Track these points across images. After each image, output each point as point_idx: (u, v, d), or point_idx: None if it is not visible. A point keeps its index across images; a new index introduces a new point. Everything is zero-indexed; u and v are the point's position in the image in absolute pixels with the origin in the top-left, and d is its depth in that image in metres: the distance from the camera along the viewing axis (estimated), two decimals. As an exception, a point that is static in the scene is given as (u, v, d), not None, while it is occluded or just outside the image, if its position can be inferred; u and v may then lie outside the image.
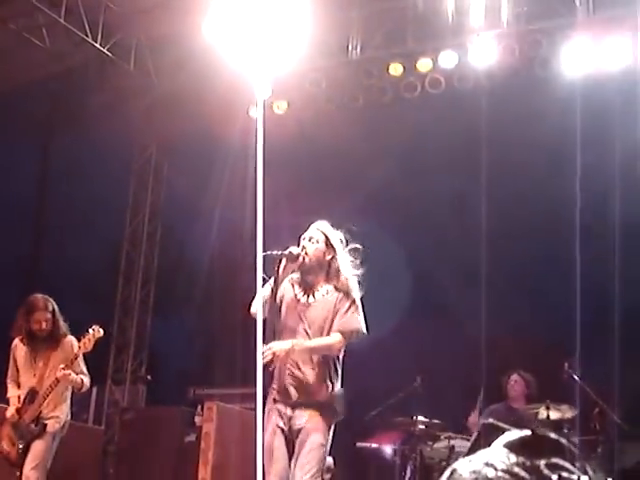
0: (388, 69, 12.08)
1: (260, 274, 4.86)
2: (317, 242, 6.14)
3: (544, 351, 11.04)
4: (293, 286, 6.19)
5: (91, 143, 14.54)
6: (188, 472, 9.80)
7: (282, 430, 5.95)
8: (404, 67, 12.00)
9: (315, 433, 5.88)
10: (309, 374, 5.96)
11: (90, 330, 7.73)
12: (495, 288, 11.61)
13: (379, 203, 13.16)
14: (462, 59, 11.60)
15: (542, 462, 2.19)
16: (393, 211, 13.22)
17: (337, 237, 6.22)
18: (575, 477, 2.10)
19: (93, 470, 11.36)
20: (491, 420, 7.72)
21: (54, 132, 15.76)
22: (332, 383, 6.03)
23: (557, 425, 8.94)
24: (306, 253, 6.07)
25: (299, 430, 5.91)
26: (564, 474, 2.14)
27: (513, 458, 2.25)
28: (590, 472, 2.33)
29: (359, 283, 6.19)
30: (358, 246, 6.24)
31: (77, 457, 10.20)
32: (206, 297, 14.70)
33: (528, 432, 2.25)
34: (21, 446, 7.66)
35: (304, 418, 5.92)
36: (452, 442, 9.46)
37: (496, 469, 2.19)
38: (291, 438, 5.95)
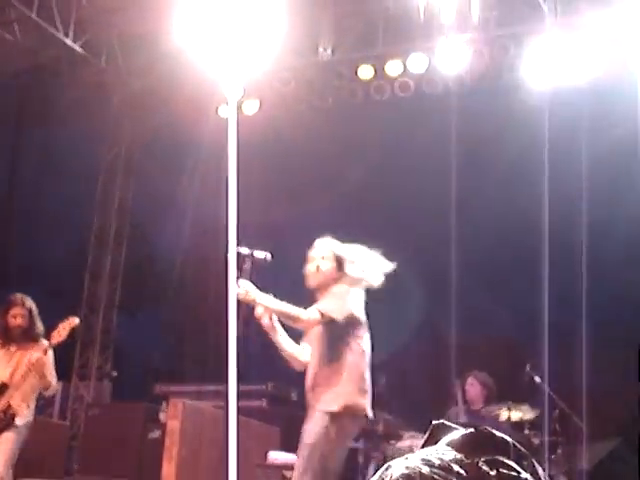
0: (358, 71, 12.14)
1: (233, 271, 4.92)
2: (327, 259, 6.31)
3: (508, 351, 11.16)
4: None
5: (61, 139, 14.55)
6: (152, 468, 9.82)
7: None
8: (374, 69, 12.07)
9: (308, 432, 5.99)
10: (314, 374, 6.10)
11: (65, 319, 7.83)
12: (462, 289, 11.73)
13: (349, 202, 13.25)
14: (432, 63, 11.69)
15: (482, 459, 2.22)
16: (363, 211, 13.31)
17: (342, 249, 6.41)
18: (515, 473, 2.16)
19: (57, 465, 11.36)
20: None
21: (24, 127, 15.72)
22: (336, 382, 6.07)
23: (518, 426, 9.05)
24: (319, 271, 6.25)
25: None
26: (504, 470, 2.16)
27: (452, 455, 2.26)
28: (540, 472, 2.35)
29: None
30: None
31: (42, 452, 10.20)
32: (176, 294, 14.72)
33: (472, 430, 2.27)
34: None
35: (309, 418, 6.06)
36: (415, 441, 9.55)
37: (432, 465, 2.19)
38: None
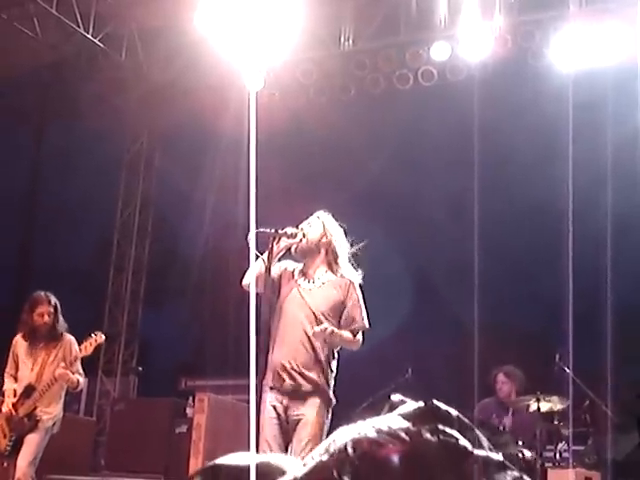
0: (380, 61, 12.05)
1: (253, 250, 4.87)
2: (314, 226, 6.18)
3: (536, 342, 11.07)
4: (294, 269, 6.21)
5: (82, 134, 14.51)
6: (179, 463, 9.82)
7: (277, 419, 5.90)
8: (396, 58, 11.98)
9: (314, 423, 5.85)
10: (307, 362, 5.92)
11: (92, 335, 7.84)
12: (487, 280, 11.61)
13: (371, 195, 13.16)
14: (455, 51, 11.60)
15: (426, 427, 2.45)
16: (385, 203, 13.23)
17: (335, 225, 6.26)
18: (453, 440, 2.44)
19: (84, 461, 11.37)
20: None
21: (45, 123, 15.72)
22: (329, 371, 6.01)
23: (548, 416, 8.96)
24: (303, 235, 6.10)
25: (297, 420, 5.87)
26: (443, 437, 2.44)
27: (400, 424, 2.51)
28: (485, 443, 2.54)
29: (356, 269, 6.23)
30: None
31: (68, 448, 10.20)
32: (198, 288, 14.69)
33: (421, 404, 2.50)
34: (13, 438, 7.71)
35: (302, 408, 5.88)
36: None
37: (379, 432, 2.46)
38: (287, 428, 5.88)
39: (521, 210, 12.49)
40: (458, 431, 2.53)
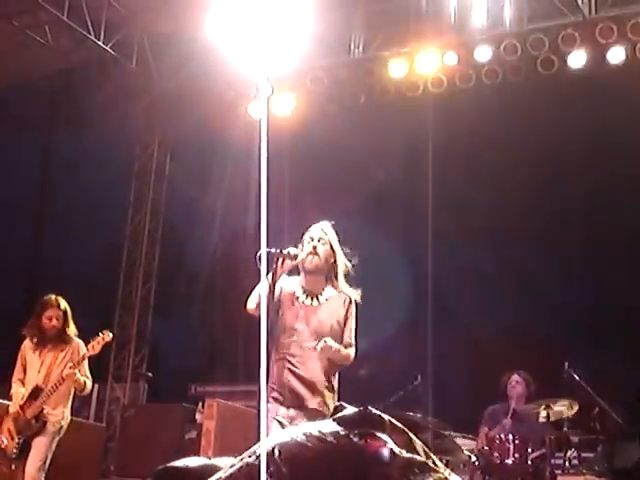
0: (390, 68, 12.07)
1: (264, 270, 4.88)
2: (325, 244, 6.17)
3: (545, 350, 11.05)
4: (294, 285, 6.19)
5: (92, 141, 14.54)
6: (189, 469, 9.80)
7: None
8: (406, 66, 11.99)
9: None
10: (313, 373, 5.91)
11: (100, 334, 7.83)
12: (495, 287, 11.63)
13: (381, 201, 13.16)
14: (464, 58, 11.62)
15: (355, 431, 2.60)
16: (395, 209, 13.23)
17: (336, 238, 6.26)
18: (382, 443, 2.57)
19: (94, 467, 11.36)
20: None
21: (55, 130, 15.75)
22: (332, 389, 5.99)
23: (557, 423, 8.95)
24: (317, 253, 6.11)
25: None
26: (371, 440, 2.57)
27: (332, 428, 2.65)
28: (418, 445, 2.64)
29: (351, 284, 6.23)
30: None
31: (78, 454, 10.20)
32: (208, 295, 14.70)
33: (356, 409, 2.65)
34: (20, 441, 7.71)
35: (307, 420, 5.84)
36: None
37: (308, 435, 2.60)
38: None
39: (532, 218, 12.48)
40: (389, 436, 2.64)
